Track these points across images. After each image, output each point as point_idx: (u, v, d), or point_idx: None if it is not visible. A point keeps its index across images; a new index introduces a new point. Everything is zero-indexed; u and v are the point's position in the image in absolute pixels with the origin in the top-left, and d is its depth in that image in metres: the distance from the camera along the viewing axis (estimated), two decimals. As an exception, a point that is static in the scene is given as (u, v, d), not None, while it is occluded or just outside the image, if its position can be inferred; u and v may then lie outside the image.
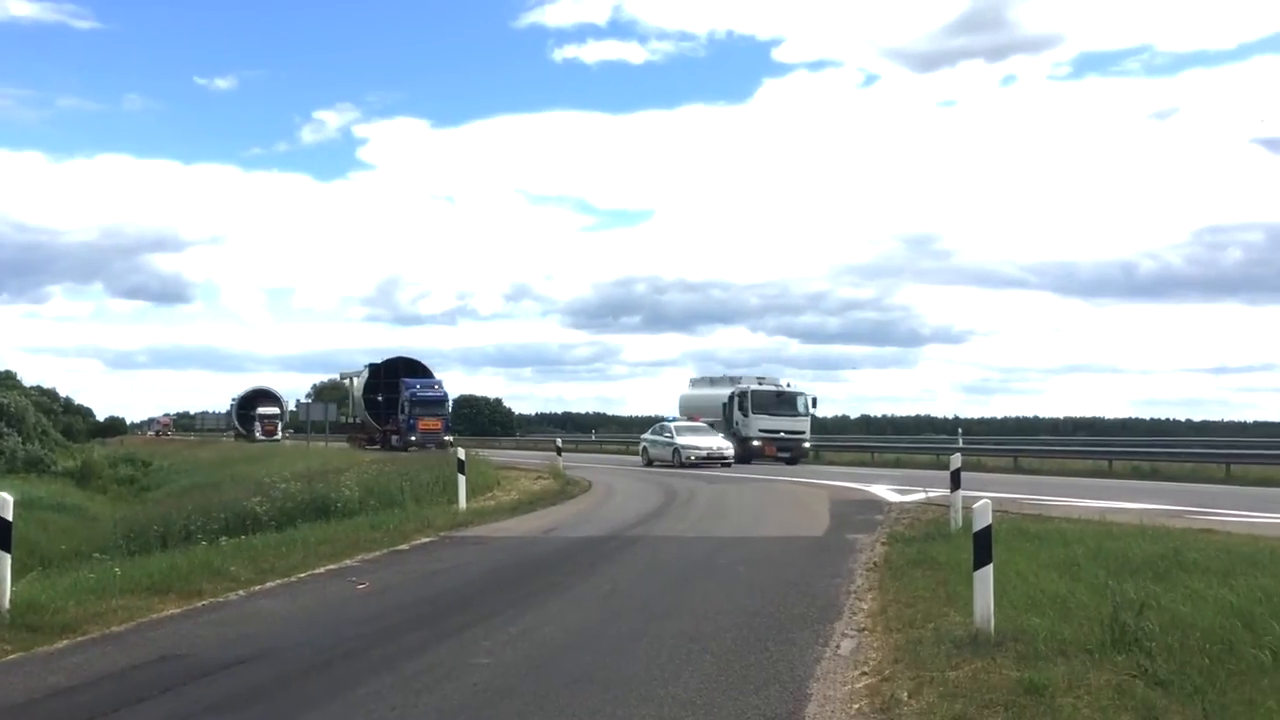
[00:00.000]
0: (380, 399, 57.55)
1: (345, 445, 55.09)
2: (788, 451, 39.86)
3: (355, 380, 62.72)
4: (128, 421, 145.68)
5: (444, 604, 10.19)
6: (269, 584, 11.21)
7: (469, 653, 7.86)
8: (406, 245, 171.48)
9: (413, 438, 50.56)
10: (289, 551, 13.04)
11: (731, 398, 41.71)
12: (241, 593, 10.71)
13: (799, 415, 41.27)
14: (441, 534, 15.51)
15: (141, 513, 26.10)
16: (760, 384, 42.46)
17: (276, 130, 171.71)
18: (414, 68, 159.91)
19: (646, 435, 41.65)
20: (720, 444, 37.08)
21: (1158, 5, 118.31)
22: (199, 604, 10.07)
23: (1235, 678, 6.05)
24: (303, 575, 11.78)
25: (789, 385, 43.17)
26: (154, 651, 8.07)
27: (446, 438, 51.22)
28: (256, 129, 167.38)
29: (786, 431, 40.52)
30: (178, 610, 9.75)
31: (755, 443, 39.71)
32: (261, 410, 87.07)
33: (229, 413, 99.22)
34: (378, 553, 13.57)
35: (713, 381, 46.50)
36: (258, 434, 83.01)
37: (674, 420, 41.05)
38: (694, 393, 47.54)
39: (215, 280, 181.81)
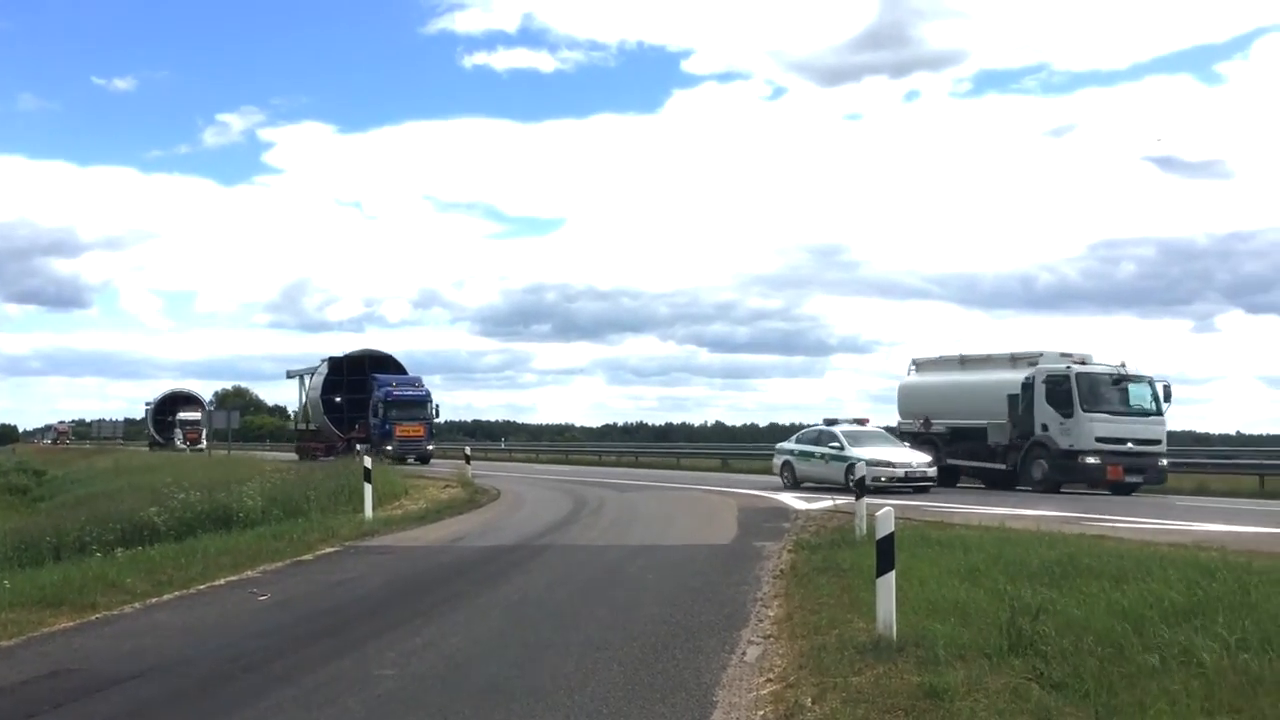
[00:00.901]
0: (341, 400, 49.35)
1: (293, 458, 48.07)
2: (1139, 474, 25.69)
3: (309, 379, 53.92)
4: (20, 429, 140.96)
5: (348, 615, 10.03)
6: (166, 596, 10.95)
7: (373, 664, 7.76)
8: (313, 251, 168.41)
9: (388, 447, 43.29)
10: (188, 563, 12.74)
11: (1030, 385, 26.73)
12: (137, 605, 10.44)
13: (1152, 415, 26.53)
14: (347, 544, 15.29)
15: (33, 523, 25.26)
16: (1084, 365, 26.88)
17: (178, 133, 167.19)
18: (321, 72, 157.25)
19: (790, 445, 28.24)
20: (919, 459, 25.50)
21: (1055, 25, 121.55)
22: (93, 617, 9.81)
23: (1126, 680, 6.22)
24: (202, 587, 11.53)
25: (1124, 367, 27.04)
26: (45, 666, 7.86)
27: (429, 447, 45.68)
28: (157, 131, 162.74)
29: (1139, 441, 25.80)
30: (70, 624, 9.49)
31: (1089, 460, 25.25)
32: (183, 415, 78.54)
33: (144, 418, 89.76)
34: (280, 563, 13.33)
35: (975, 362, 30.01)
36: (178, 442, 74.65)
37: (839, 423, 27.40)
38: (935, 380, 30.86)
39: (114, 284, 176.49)
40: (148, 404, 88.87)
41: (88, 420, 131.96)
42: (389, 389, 45.75)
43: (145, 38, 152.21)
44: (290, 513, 18.73)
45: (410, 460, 42.89)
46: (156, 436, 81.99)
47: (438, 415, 49.84)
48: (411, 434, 44.89)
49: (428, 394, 47.29)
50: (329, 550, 14.64)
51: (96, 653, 8.34)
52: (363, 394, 47.82)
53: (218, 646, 8.56)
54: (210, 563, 12.88)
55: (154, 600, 10.73)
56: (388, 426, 44.67)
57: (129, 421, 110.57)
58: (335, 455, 44.79)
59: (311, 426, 53.18)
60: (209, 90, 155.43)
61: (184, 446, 71.24)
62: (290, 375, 58.95)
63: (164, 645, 8.65)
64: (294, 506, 19.31)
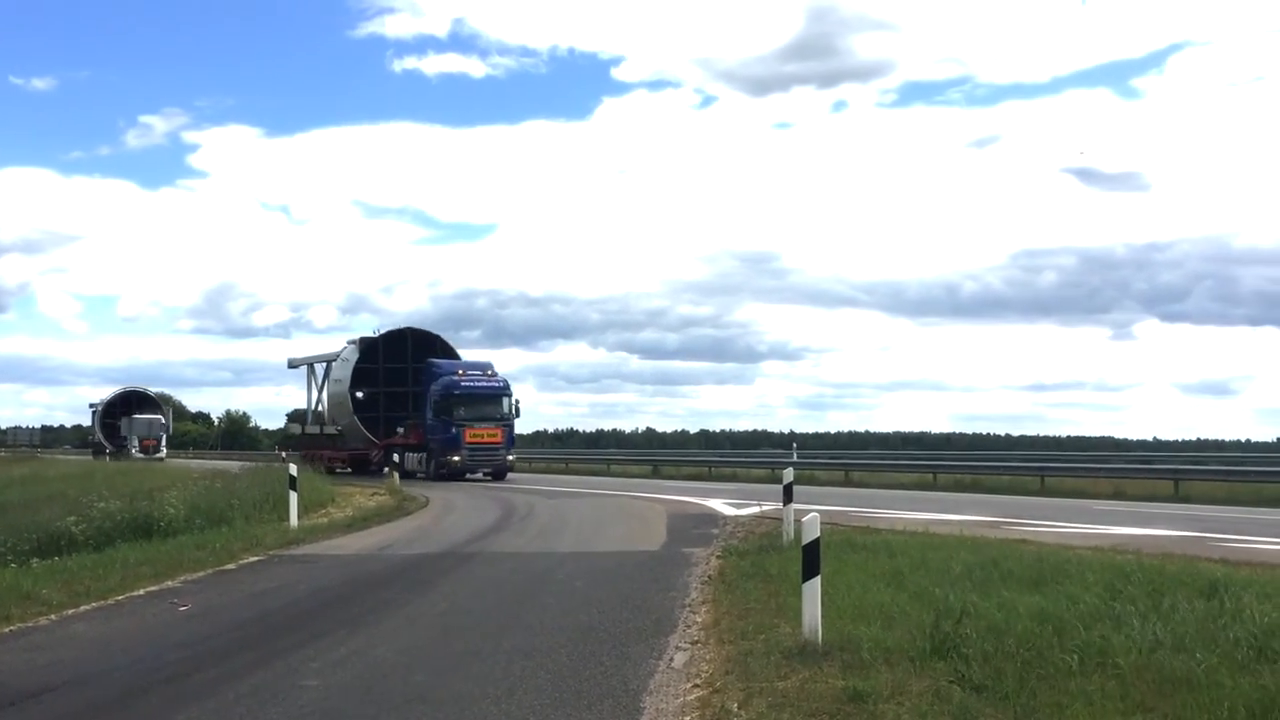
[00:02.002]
0: (378, 395, 39.21)
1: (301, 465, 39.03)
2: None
3: (324, 368, 43.16)
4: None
5: (271, 625, 9.89)
6: (83, 607, 10.69)
7: (297, 675, 7.65)
8: (238, 256, 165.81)
9: (455, 458, 34.18)
10: (106, 573, 12.47)
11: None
12: (53, 617, 10.19)
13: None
14: (271, 552, 15.06)
15: (-56, 534, 24.54)
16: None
17: (99, 134, 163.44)
18: (247, 74, 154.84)
19: None
20: None
21: (978, 38, 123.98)
22: (6, 630, 9.55)
23: (1045, 681, 6.35)
24: (120, 597, 11.28)
25: None
26: (-46, 681, 7.62)
27: (509, 458, 36.10)
28: (77, 132, 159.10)
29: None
30: (-18, 637, 9.22)
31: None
32: (139, 418, 69.42)
33: (92, 423, 77.38)
34: (202, 573, 13.09)
35: None
36: (133, 449, 65.25)
37: None
38: None
39: (31, 288, 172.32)
40: (94, 405, 79.29)
41: (2, 428, 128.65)
42: (453, 379, 35.49)
43: (65, 36, 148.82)
44: (214, 521, 18.38)
45: (482, 474, 35.10)
46: (105, 442, 70.70)
47: (518, 415, 37.15)
48: (486, 439, 34.82)
49: (505, 385, 36.58)
50: (253, 559, 14.41)
51: (10, 666, 8.12)
52: (404, 386, 38.66)
53: (136, 659, 8.39)
54: (130, 573, 12.61)
55: (70, 611, 10.47)
56: (454, 431, 34.36)
57: (46, 429, 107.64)
58: (371, 467, 37.84)
59: (330, 430, 42.07)
60: (131, 91, 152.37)
61: (140, 455, 61.93)
62: (294, 364, 47.70)
63: (81, 658, 8.46)
64: (217, 515, 18.93)
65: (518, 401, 36.89)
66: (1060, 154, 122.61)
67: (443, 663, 8.02)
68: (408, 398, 38.57)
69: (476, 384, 36.10)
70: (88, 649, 8.82)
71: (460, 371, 36.47)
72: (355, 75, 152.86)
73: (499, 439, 35.22)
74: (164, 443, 68.33)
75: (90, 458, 64.97)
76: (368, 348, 39.80)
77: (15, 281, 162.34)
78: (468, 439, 34.60)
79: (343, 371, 40.31)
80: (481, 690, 7.09)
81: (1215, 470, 28.75)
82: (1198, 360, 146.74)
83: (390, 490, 27.21)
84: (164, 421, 70.94)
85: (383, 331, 40.98)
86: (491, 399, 35.98)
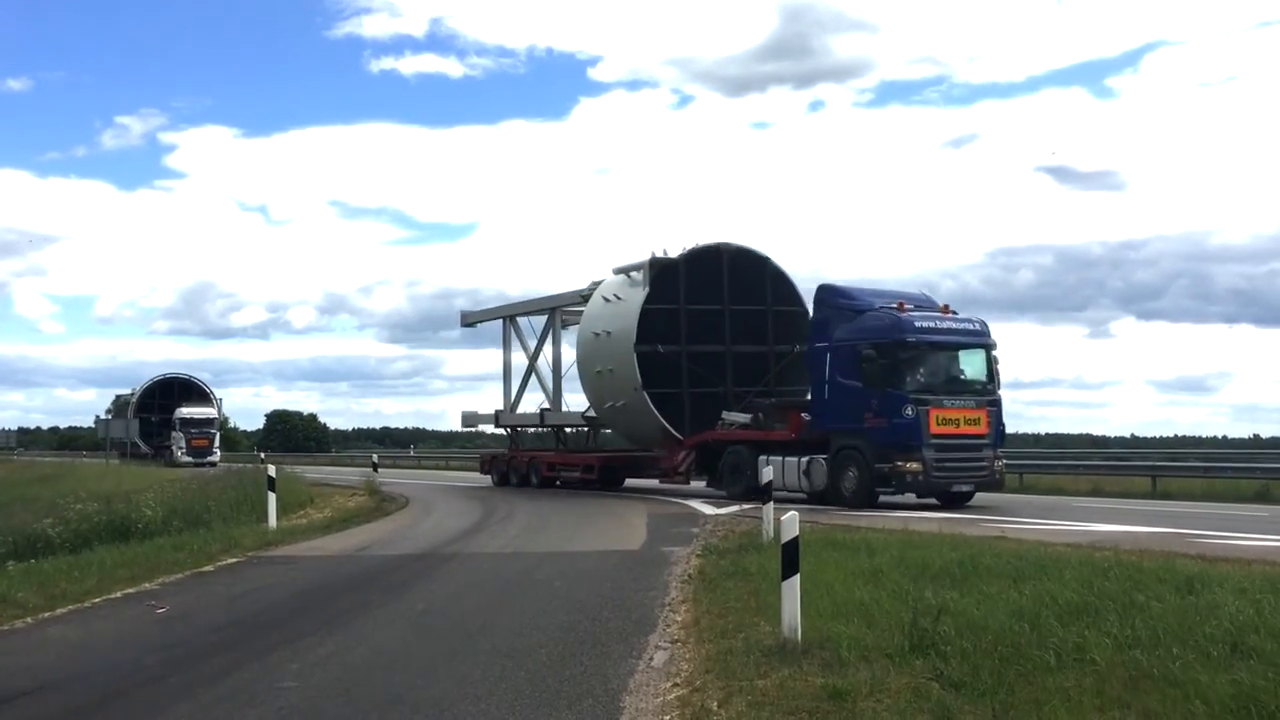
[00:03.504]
0: (681, 357, 24.88)
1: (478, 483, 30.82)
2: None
3: (583, 314, 27.27)
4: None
5: (249, 627, 9.84)
6: (60, 610, 10.62)
7: (275, 676, 7.61)
8: (216, 257, 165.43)
9: (912, 464, 19.59)
10: (83, 575, 12.39)
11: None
12: (29, 620, 10.12)
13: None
14: (249, 554, 14.99)
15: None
16: None
17: (75, 135, 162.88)
18: (224, 75, 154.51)
19: None
20: None
21: (954, 38, 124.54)
22: (-19, 633, 9.47)
23: (1023, 678, 6.38)
24: (97, 600, 11.21)
25: None
26: (-72, 686, 7.55)
27: (998, 463, 20.82)
28: (53, 133, 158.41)
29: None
30: (-44, 641, 9.14)
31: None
32: (185, 413, 55.35)
33: (125, 417, 56.35)
34: (180, 575, 13.02)
35: None
36: (179, 453, 52.75)
37: None
38: None
39: (8, 290, 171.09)
40: (122, 397, 65.60)
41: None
42: (894, 317, 20.44)
43: (40, 37, 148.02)
44: (191, 523, 18.30)
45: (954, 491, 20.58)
46: (140, 444, 56.15)
47: (999, 385, 21.39)
48: (965, 429, 20.32)
49: (985, 329, 21.42)
50: (231, 561, 14.34)
51: (-16, 670, 8.06)
52: (719, 342, 25.19)
53: (113, 661, 8.34)
54: (106, 575, 12.53)
55: (46, 614, 10.40)
56: (907, 414, 19.64)
57: (23, 431, 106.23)
58: (674, 476, 24.73)
59: (570, 422, 29.91)
60: (107, 91, 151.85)
61: (188, 459, 50.98)
62: (471, 322, 34.36)
63: (57, 661, 8.41)
64: (195, 517, 18.86)
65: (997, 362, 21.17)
66: (1037, 153, 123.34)
67: (421, 664, 7.99)
68: (727, 361, 25.17)
69: (941, 327, 20.52)
70: (64, 652, 8.77)
71: (902, 306, 20.78)
72: (333, 75, 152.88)
73: (983, 428, 20.39)
74: (217, 442, 55.99)
75: (120, 462, 47.73)
76: (662, 276, 24.57)
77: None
78: (934, 428, 19.67)
79: (611, 317, 25.33)
80: (461, 691, 7.07)
81: (1192, 467, 28.89)
82: (1174, 358, 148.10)
83: (370, 491, 27.11)
84: (217, 416, 58.75)
85: (688, 251, 25.11)
86: (969, 353, 20.98)
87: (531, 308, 31.92)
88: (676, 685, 7.13)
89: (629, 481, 28.32)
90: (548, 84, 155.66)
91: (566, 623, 9.43)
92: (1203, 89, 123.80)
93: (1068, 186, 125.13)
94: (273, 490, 18.47)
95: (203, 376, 50.72)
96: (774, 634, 7.90)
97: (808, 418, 22.07)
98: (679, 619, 9.48)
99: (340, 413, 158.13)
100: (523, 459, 30.76)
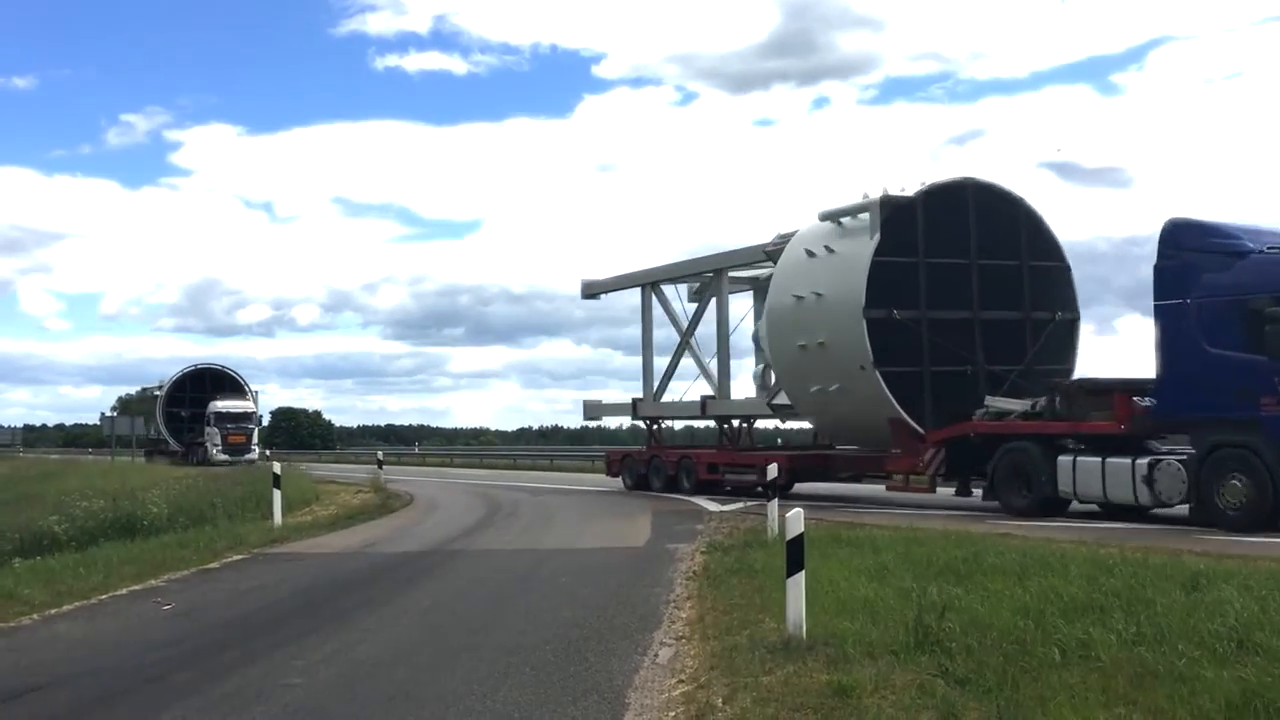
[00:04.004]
0: (920, 324, 19.38)
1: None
2: None
3: (770, 276, 22.44)
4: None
5: (255, 624, 9.86)
6: (66, 607, 10.66)
7: (280, 673, 7.63)
8: (221, 254, 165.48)
9: None
10: (89, 572, 12.44)
11: None
12: (36, 617, 10.17)
13: None
14: (255, 551, 15.02)
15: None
16: None
17: (81, 133, 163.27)
18: (229, 73, 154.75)
19: None
20: None
21: (959, 35, 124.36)
22: (-12, 630, 9.50)
23: (1028, 675, 6.37)
24: (104, 597, 11.25)
25: None
26: (-65, 682, 7.57)
27: None
28: (59, 131, 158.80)
29: None
30: (-36, 638, 9.17)
31: None
32: (220, 406, 50.36)
33: (131, 415, 53.14)
34: (186, 572, 13.05)
35: None
36: (215, 451, 47.91)
37: None
38: None
39: (14, 287, 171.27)
40: (148, 389, 60.07)
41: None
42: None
43: (46, 36, 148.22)
44: (197, 520, 18.37)
45: None
46: (171, 440, 53.26)
47: None
48: None
49: None
50: (236, 558, 14.37)
51: (-9, 667, 8.09)
52: (965, 308, 19.95)
53: (120, 658, 8.36)
54: (113, 572, 12.58)
55: (53, 611, 10.44)
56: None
57: (29, 428, 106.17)
58: (894, 485, 19.97)
59: (744, 410, 25.15)
60: (113, 89, 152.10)
61: (224, 457, 46.40)
62: (594, 292, 29.97)
63: (64, 657, 8.43)
64: (200, 514, 18.93)
65: None
66: (1042, 150, 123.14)
67: (426, 660, 8.01)
68: (975, 331, 20.04)
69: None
70: (71, 648, 8.79)
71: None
72: (337, 73, 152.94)
73: None
74: (254, 438, 51.01)
75: (144, 460, 47.81)
76: (893, 219, 19.50)
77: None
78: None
79: (822, 275, 20.40)
80: (466, 687, 7.08)
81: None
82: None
83: (375, 489, 27.12)
84: (255, 410, 53.03)
85: (925, 187, 19.85)
86: None
87: (684, 271, 26.88)
88: (681, 681, 7.13)
89: (805, 486, 22.89)
90: (552, 81, 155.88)
91: (572, 619, 9.44)
92: (1208, 85, 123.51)
93: (1073, 183, 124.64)
94: (278, 487, 18.49)
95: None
96: (779, 630, 7.90)
97: (1144, 403, 16.17)
98: (684, 615, 9.49)
99: (345, 410, 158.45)
100: (669, 458, 25.85)
